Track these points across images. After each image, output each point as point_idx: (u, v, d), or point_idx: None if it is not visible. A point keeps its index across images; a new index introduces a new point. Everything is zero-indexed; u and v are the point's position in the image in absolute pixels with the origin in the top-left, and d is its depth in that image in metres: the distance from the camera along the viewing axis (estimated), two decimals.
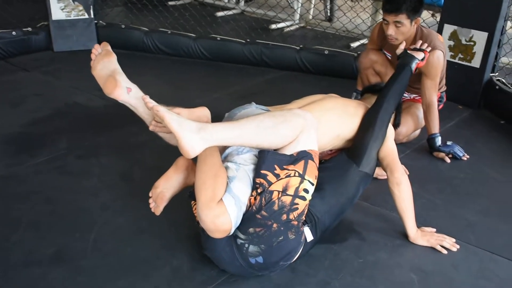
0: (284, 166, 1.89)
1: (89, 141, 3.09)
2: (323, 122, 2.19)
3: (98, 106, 3.58)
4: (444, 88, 3.32)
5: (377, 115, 2.33)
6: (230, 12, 6.38)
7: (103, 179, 2.70)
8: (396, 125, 2.64)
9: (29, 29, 4.65)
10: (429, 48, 2.78)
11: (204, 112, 2.10)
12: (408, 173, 2.72)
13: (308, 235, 2.00)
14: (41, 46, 4.70)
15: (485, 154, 3.19)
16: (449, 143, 3.11)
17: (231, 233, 1.87)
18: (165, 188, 2.01)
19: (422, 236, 2.28)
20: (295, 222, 1.92)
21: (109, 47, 2.07)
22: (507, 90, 3.70)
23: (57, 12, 4.65)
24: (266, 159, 1.88)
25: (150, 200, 2.01)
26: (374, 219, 2.45)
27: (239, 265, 1.94)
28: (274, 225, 1.87)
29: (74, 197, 2.53)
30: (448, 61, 3.76)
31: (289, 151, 1.92)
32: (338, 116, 2.32)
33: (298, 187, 1.89)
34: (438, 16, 4.47)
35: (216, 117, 2.31)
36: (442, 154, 3.07)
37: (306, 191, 1.92)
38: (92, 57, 2.04)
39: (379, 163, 2.35)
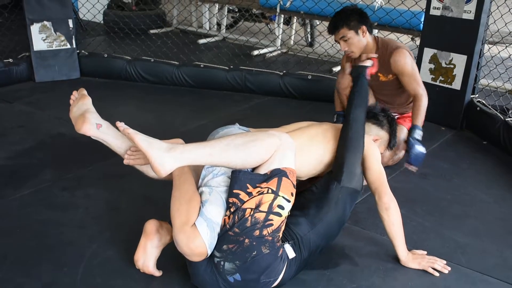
0: (257, 184, 1.91)
1: (74, 172, 3.06)
2: (306, 149, 2.26)
3: (82, 136, 3.49)
4: None
5: (347, 129, 2.34)
6: (213, 39, 6.43)
7: (90, 211, 2.66)
8: (391, 147, 2.66)
9: (10, 60, 4.63)
10: (375, 55, 2.90)
11: (178, 142, 2.12)
12: None
13: (290, 252, 2.01)
14: (23, 77, 4.69)
15: (471, 175, 3.22)
16: (421, 148, 3.04)
17: (208, 255, 1.91)
18: (146, 259, 2.11)
19: (413, 259, 2.28)
20: (269, 238, 1.91)
21: (84, 92, 2.25)
22: (488, 111, 3.76)
23: (39, 43, 4.65)
24: (238, 179, 1.91)
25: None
26: (365, 243, 2.45)
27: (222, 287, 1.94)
28: (246, 241, 1.88)
29: (61, 230, 2.49)
30: (429, 83, 3.84)
31: (263, 170, 1.95)
32: (319, 142, 2.35)
33: (272, 203, 1.90)
34: (417, 40, 4.56)
35: None
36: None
37: (281, 207, 1.92)
38: (71, 102, 2.20)
39: (367, 185, 2.35)
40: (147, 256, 2.12)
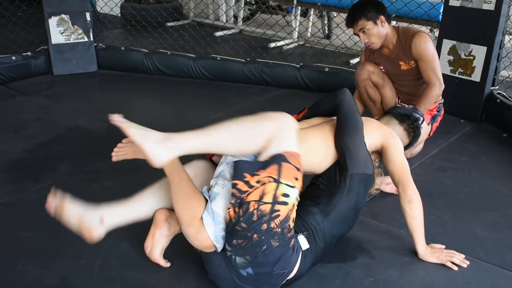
0: (255, 172, 1.86)
1: (91, 165, 3.07)
2: (319, 145, 2.24)
3: (100, 129, 3.56)
4: (441, 100, 3.31)
5: (340, 115, 2.28)
6: (229, 32, 6.41)
7: (107, 203, 2.67)
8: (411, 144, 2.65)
9: (29, 53, 4.66)
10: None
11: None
12: None
13: (303, 243, 1.98)
14: (41, 70, 4.71)
15: (490, 168, 3.18)
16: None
17: (218, 247, 1.92)
18: (153, 247, 2.14)
19: (432, 253, 2.26)
20: (278, 229, 1.86)
21: (58, 199, 1.97)
22: (508, 103, 3.71)
23: (57, 36, 4.67)
24: (237, 169, 1.88)
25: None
26: (382, 237, 2.43)
27: (237, 282, 1.93)
28: (255, 236, 1.85)
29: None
30: (448, 75, 3.79)
31: (263, 157, 1.91)
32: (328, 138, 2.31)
33: (275, 193, 1.85)
34: (436, 31, 4.50)
35: None
36: None
37: (285, 195, 1.87)
38: (52, 211, 1.97)
39: (390, 176, 2.33)
40: (154, 244, 2.14)
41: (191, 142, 1.84)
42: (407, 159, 3.13)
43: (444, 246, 2.31)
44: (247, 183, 1.85)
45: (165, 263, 2.16)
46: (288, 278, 1.99)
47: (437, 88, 3.08)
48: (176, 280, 2.12)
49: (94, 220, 1.96)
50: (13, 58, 4.52)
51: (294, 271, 1.98)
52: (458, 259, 2.24)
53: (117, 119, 1.80)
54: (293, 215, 1.94)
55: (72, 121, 3.73)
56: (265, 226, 1.84)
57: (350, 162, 2.15)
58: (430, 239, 2.34)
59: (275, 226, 1.86)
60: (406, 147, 2.62)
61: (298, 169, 1.93)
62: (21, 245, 2.31)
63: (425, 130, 3.20)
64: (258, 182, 1.85)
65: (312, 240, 2.02)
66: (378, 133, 2.37)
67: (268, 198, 1.84)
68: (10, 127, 3.62)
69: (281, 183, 1.86)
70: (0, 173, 2.98)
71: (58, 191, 1.98)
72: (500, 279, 2.17)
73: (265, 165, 1.87)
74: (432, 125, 3.29)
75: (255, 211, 1.84)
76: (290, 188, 1.89)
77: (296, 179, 1.91)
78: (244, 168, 1.88)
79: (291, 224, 1.94)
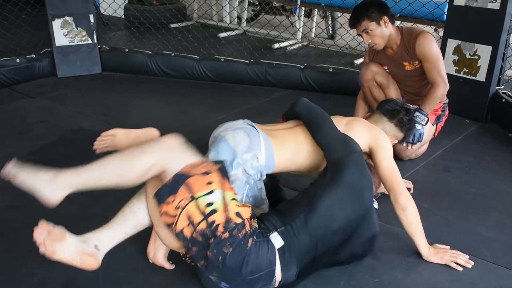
0: (166, 200, 1.86)
1: None
2: (293, 144, 2.28)
3: (104, 131, 3.54)
4: (446, 100, 3.31)
5: (303, 119, 2.34)
6: (233, 33, 6.41)
7: (112, 205, 2.67)
8: (401, 142, 2.65)
9: (33, 56, 4.67)
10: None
11: (149, 133, 2.18)
12: (411, 186, 2.71)
13: (276, 240, 1.91)
14: (45, 73, 4.72)
15: (496, 168, 3.16)
16: (418, 126, 3.01)
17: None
18: (156, 251, 2.15)
19: (436, 254, 2.25)
20: (226, 235, 1.84)
21: (53, 228, 1.88)
22: None
23: (61, 38, 4.68)
24: (157, 203, 1.90)
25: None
26: (387, 238, 2.41)
27: None
28: (208, 253, 1.85)
29: (85, 224, 2.49)
30: (453, 75, 3.78)
31: (164, 181, 1.89)
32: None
33: (199, 208, 1.84)
34: (441, 31, 4.49)
35: None
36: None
37: (209, 204, 1.85)
38: (39, 241, 1.85)
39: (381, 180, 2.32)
40: (157, 248, 2.15)
41: (76, 178, 1.86)
42: (412, 159, 3.18)
43: (448, 247, 2.30)
44: (167, 214, 1.87)
45: (169, 266, 2.16)
46: (278, 279, 1.94)
47: (442, 89, 3.07)
48: (182, 281, 2.11)
49: (92, 249, 1.94)
50: (17, 60, 4.52)
51: (276, 274, 1.92)
52: (463, 259, 2.23)
53: (5, 173, 1.82)
54: (233, 211, 1.89)
55: (77, 123, 3.73)
56: (212, 239, 1.84)
57: (328, 152, 2.16)
58: (435, 239, 2.34)
59: (221, 233, 1.84)
60: (401, 141, 2.62)
61: (206, 173, 1.89)
62: (27, 247, 2.30)
63: (430, 130, 3.20)
64: (177, 208, 1.85)
65: (291, 235, 1.93)
66: (365, 134, 2.35)
67: (197, 217, 1.84)
68: (15, 130, 3.62)
69: (198, 197, 1.84)
70: None
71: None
72: (505, 280, 2.16)
73: (172, 189, 1.86)
74: (436, 125, 3.29)
75: (194, 234, 1.84)
76: (209, 196, 1.86)
77: (209, 183, 1.88)
78: (158, 199, 1.88)
79: (238, 220, 1.88)
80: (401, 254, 2.30)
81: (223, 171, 1.96)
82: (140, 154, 1.90)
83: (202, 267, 1.91)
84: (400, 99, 2.71)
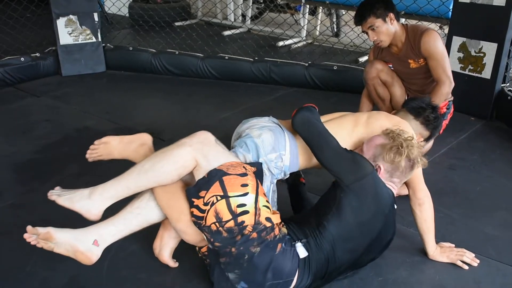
0: (199, 194, 1.87)
1: (100, 166, 3.05)
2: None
3: (108, 130, 3.57)
4: (450, 98, 3.29)
5: (303, 138, 2.15)
6: (237, 31, 6.40)
7: (114, 205, 2.67)
8: (427, 140, 2.59)
9: (37, 54, 4.68)
10: None
11: (142, 139, 2.21)
12: None
13: (301, 250, 1.89)
14: (50, 71, 4.73)
15: (501, 166, 3.14)
16: None
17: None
18: (162, 248, 2.16)
19: (442, 253, 2.24)
20: (254, 235, 1.83)
21: (40, 230, 1.91)
22: None
23: (65, 37, 4.68)
24: (188, 197, 1.92)
25: None
26: None
27: None
28: (233, 250, 1.85)
29: (87, 224, 2.49)
30: (458, 73, 3.76)
31: (199, 175, 1.90)
32: (348, 131, 2.29)
33: (230, 207, 1.83)
34: (446, 29, 4.46)
35: (226, 137, 2.30)
36: None
37: (241, 205, 1.84)
38: (33, 243, 1.93)
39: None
40: (163, 246, 2.15)
41: (115, 190, 1.94)
42: None
43: (454, 245, 2.29)
44: (198, 208, 1.87)
45: (173, 264, 2.16)
46: None
47: (447, 86, 3.05)
48: (187, 280, 2.12)
49: (88, 245, 1.93)
50: (22, 59, 4.53)
51: (294, 282, 1.90)
52: (468, 257, 2.22)
53: (49, 195, 1.97)
54: (263, 216, 1.87)
55: (81, 122, 3.73)
56: (238, 237, 1.83)
57: (337, 177, 2.00)
58: (440, 238, 2.33)
59: (249, 233, 1.84)
60: (427, 139, 2.57)
61: (242, 175, 1.89)
62: (30, 246, 2.30)
63: None
64: (206, 204, 1.84)
65: (316, 246, 1.92)
66: (388, 124, 2.24)
67: (226, 215, 1.83)
68: (19, 128, 3.63)
69: (230, 197, 1.84)
70: (10, 174, 2.99)
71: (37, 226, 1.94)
72: (511, 278, 2.15)
73: (205, 184, 1.86)
74: (441, 123, 3.27)
75: (220, 229, 1.84)
76: (242, 197, 1.85)
77: (245, 185, 1.87)
78: (190, 193, 1.90)
79: (267, 224, 1.87)
80: (406, 253, 2.29)
81: (258, 175, 1.98)
82: (176, 149, 1.92)
83: (222, 263, 1.89)
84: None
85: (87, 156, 2.22)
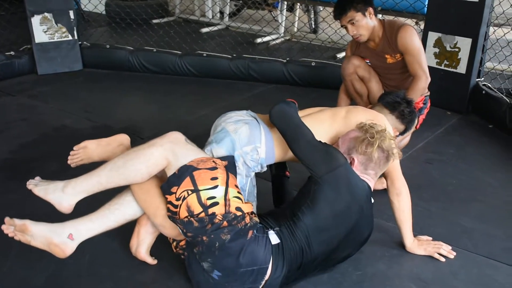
0: (171, 190, 1.91)
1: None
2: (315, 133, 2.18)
3: (86, 128, 3.54)
4: (427, 92, 3.33)
5: (279, 130, 2.17)
6: (215, 28, 6.39)
7: (94, 203, 2.65)
8: (401, 134, 2.63)
9: (12, 53, 4.61)
10: None
11: (120, 139, 2.26)
12: None
13: (273, 237, 1.93)
14: (25, 70, 4.66)
15: (477, 159, 3.20)
16: None
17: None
18: (139, 245, 2.17)
19: (419, 245, 2.27)
20: (225, 223, 1.86)
21: (17, 222, 1.92)
22: (494, 94, 3.73)
23: (40, 35, 4.62)
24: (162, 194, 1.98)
25: None
26: None
27: (214, 285, 1.91)
28: (204, 238, 1.87)
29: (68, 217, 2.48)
30: (434, 68, 3.81)
31: (170, 172, 1.94)
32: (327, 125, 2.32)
33: (200, 201, 1.87)
34: (422, 24, 4.51)
35: (205, 134, 2.31)
36: None
37: (211, 198, 1.88)
38: (11, 235, 1.93)
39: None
40: (140, 242, 2.16)
41: (87, 184, 1.98)
42: None
43: (431, 238, 2.33)
44: (171, 203, 1.92)
45: (152, 261, 2.17)
46: (265, 278, 1.92)
47: (423, 81, 3.09)
48: (167, 277, 2.12)
49: (63, 238, 1.96)
50: None
51: (268, 270, 1.91)
52: (445, 250, 2.26)
53: (28, 184, 2.00)
54: (234, 206, 1.91)
55: (58, 121, 3.69)
56: (209, 226, 1.86)
57: (310, 168, 2.02)
58: (417, 231, 2.36)
59: (219, 221, 1.87)
60: (402, 133, 2.61)
61: (212, 169, 1.93)
62: (7, 246, 2.28)
63: None
64: (178, 199, 1.89)
65: (286, 237, 1.94)
66: (365, 118, 2.26)
67: (197, 208, 1.87)
68: None
69: (200, 190, 1.88)
70: None
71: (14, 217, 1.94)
72: (486, 269, 2.19)
73: (177, 180, 1.90)
74: (418, 117, 3.30)
75: (192, 219, 1.87)
76: (212, 190, 1.89)
77: (214, 178, 1.91)
78: (164, 190, 1.95)
79: (238, 213, 1.90)
80: (384, 246, 2.32)
81: (230, 168, 2.02)
82: (147, 149, 1.95)
83: (196, 254, 1.91)
84: (401, 91, 2.68)
85: (69, 162, 2.26)
